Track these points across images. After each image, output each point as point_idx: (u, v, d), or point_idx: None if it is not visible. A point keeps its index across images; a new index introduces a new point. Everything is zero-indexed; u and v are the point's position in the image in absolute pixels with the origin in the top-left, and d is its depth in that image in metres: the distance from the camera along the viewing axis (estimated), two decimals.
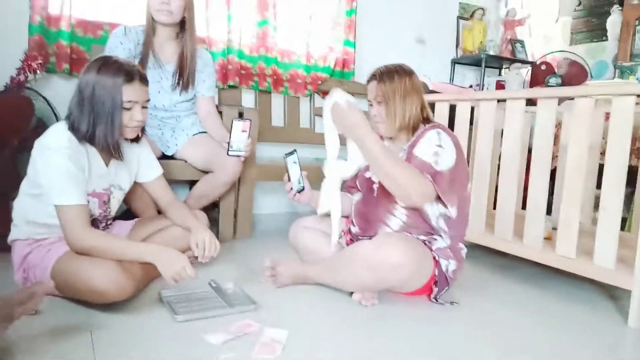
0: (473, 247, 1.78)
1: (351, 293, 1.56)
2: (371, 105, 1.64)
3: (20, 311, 1.09)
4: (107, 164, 1.51)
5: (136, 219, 1.76)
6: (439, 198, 1.49)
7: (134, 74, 1.43)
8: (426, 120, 1.62)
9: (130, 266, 1.41)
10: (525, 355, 1.29)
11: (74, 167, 1.36)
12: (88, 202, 1.44)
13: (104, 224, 1.58)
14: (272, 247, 2.14)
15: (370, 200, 1.65)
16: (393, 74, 1.58)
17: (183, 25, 2.01)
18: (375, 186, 1.63)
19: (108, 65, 1.41)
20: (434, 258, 1.54)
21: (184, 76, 2.03)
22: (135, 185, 1.68)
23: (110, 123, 1.40)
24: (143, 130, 1.58)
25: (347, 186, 1.80)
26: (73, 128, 1.40)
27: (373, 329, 1.39)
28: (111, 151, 1.45)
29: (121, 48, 1.92)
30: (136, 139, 1.57)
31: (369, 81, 1.64)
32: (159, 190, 1.70)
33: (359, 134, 1.41)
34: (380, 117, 1.60)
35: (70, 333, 1.23)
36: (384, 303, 1.56)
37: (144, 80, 1.46)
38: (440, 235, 1.57)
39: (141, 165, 1.66)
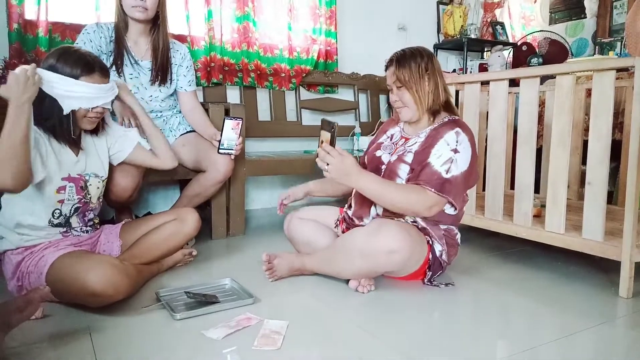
0: (466, 230, 1.81)
1: (347, 280, 1.58)
2: (390, 90, 1.62)
3: (18, 318, 1.09)
4: (76, 154, 1.50)
5: (122, 222, 1.74)
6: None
7: (94, 65, 1.42)
8: (446, 104, 1.62)
9: (125, 265, 1.41)
10: (524, 332, 1.32)
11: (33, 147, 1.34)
12: (65, 187, 1.44)
13: (88, 218, 1.56)
14: (267, 242, 2.15)
15: None
16: (411, 58, 1.56)
17: (155, 21, 1.99)
18: (383, 167, 1.63)
19: (67, 55, 1.40)
20: (428, 242, 1.56)
21: (162, 70, 2.02)
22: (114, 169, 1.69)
23: (65, 116, 1.40)
24: (103, 120, 1.58)
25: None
26: (36, 121, 1.38)
27: (371, 315, 1.41)
28: (69, 143, 1.45)
29: (89, 45, 1.89)
30: (95, 131, 1.55)
31: (387, 67, 1.62)
32: (141, 156, 1.72)
33: (352, 180, 1.44)
34: (401, 102, 1.59)
35: (70, 337, 1.23)
36: (381, 289, 1.58)
37: (104, 72, 1.46)
38: (436, 223, 1.59)
39: (112, 148, 1.65)
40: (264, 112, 2.80)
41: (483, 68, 3.37)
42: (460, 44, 3.37)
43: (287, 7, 2.82)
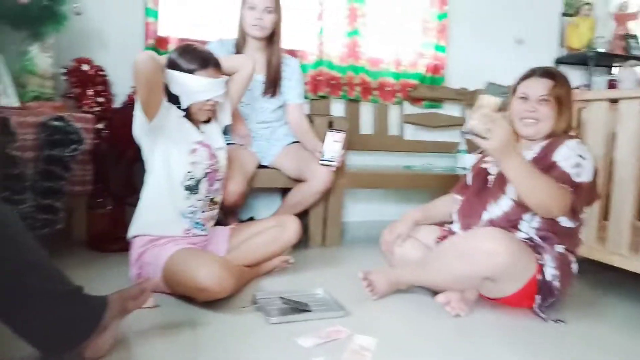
0: (582, 262, 1.63)
1: (435, 295, 1.50)
2: (524, 98, 1.54)
3: (132, 305, 1.20)
4: (198, 127, 1.66)
5: (232, 226, 1.85)
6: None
7: (209, 61, 1.58)
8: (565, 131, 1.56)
9: (231, 266, 1.51)
10: None
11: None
12: (197, 150, 1.60)
13: (214, 188, 1.68)
14: (362, 255, 2.14)
15: (481, 192, 1.59)
16: (566, 79, 1.56)
17: (271, 38, 2.11)
18: (491, 177, 1.57)
19: (187, 51, 1.59)
20: (538, 262, 1.43)
21: (273, 83, 2.13)
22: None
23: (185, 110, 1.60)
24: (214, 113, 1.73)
25: (458, 187, 1.77)
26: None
27: (463, 344, 1.32)
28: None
29: None
30: (208, 121, 1.71)
31: (540, 76, 1.55)
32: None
33: (510, 154, 1.32)
34: (539, 115, 1.51)
35: (176, 327, 1.33)
36: (479, 315, 1.48)
37: (218, 67, 1.61)
38: (552, 243, 1.46)
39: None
40: (366, 126, 2.81)
41: (612, 85, 3.05)
42: (585, 59, 3.08)
43: (396, 20, 2.81)
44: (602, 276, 1.95)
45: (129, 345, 1.21)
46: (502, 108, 1.31)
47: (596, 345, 1.36)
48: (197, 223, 1.65)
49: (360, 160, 2.80)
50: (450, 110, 3.01)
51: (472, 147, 2.85)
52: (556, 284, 1.44)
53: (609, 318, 1.55)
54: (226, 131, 2.13)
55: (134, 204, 1.68)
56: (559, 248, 1.47)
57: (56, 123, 1.78)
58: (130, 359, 1.15)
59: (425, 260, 1.55)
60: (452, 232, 1.63)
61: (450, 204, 1.76)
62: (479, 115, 1.28)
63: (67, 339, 1.08)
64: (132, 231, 1.62)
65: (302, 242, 2.21)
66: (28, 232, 1.03)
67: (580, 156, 1.44)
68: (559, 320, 1.47)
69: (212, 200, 1.70)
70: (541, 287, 1.44)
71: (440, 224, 1.75)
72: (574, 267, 1.51)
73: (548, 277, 1.43)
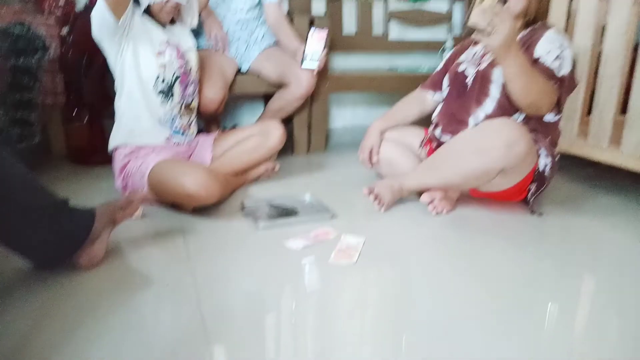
0: (562, 157, 1.66)
1: (420, 195, 1.53)
2: None
3: (121, 216, 1.21)
4: (163, 27, 1.60)
5: (216, 133, 1.83)
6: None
7: None
8: (535, 19, 1.50)
9: (215, 173, 1.51)
10: (613, 270, 1.23)
11: None
12: (164, 52, 1.55)
13: (188, 93, 1.64)
14: (347, 160, 2.15)
15: (461, 96, 1.57)
16: None
17: None
18: (468, 80, 1.55)
19: None
20: (537, 152, 1.45)
21: None
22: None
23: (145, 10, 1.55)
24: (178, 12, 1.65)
25: (429, 83, 1.74)
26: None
27: (449, 239, 1.38)
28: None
29: None
30: (173, 22, 1.65)
31: None
32: None
33: (512, 52, 1.26)
34: None
35: (165, 236, 1.35)
36: (464, 211, 1.54)
37: None
38: (534, 133, 1.48)
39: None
40: (349, 25, 2.67)
41: None
42: None
43: None
44: (582, 171, 2.01)
45: (122, 254, 1.24)
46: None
47: (575, 235, 1.43)
48: (176, 131, 1.63)
49: (343, 63, 2.71)
50: (438, 4, 2.86)
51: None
52: (547, 173, 1.47)
53: (588, 211, 1.62)
54: (201, 35, 2.01)
55: (110, 115, 1.63)
56: (545, 139, 1.49)
57: (17, 30, 1.66)
58: (124, 267, 1.18)
59: (432, 162, 1.51)
60: (433, 139, 1.63)
61: (416, 103, 1.75)
62: (480, 10, 1.21)
63: (59, 251, 1.10)
64: (112, 143, 1.59)
65: (288, 149, 2.21)
66: (4, 146, 1.00)
67: (561, 47, 1.41)
68: (540, 213, 1.53)
69: (187, 106, 1.66)
70: (536, 177, 1.47)
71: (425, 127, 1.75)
72: (557, 157, 1.54)
73: (541, 166, 1.46)
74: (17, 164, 1.00)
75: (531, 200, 1.52)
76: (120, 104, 1.57)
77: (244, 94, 2.35)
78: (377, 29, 2.72)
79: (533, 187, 1.49)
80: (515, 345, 0.90)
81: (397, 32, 2.79)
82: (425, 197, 1.51)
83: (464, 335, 0.93)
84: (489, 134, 1.36)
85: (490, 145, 1.35)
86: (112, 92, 1.59)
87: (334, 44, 2.49)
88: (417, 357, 0.87)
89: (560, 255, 1.29)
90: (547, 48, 1.41)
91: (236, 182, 1.73)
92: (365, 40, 2.68)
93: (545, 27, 1.47)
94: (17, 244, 1.06)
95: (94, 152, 2.00)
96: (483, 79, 1.49)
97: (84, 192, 1.66)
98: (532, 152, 1.41)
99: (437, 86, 1.71)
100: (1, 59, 1.67)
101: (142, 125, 1.57)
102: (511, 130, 1.34)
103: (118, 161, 1.58)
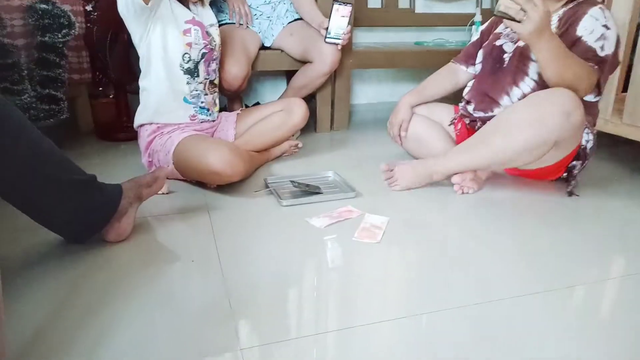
0: (597, 136, 1.61)
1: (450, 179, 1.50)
2: None
3: (147, 192, 1.23)
4: (188, 8, 1.58)
5: (239, 110, 1.82)
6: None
7: None
8: None
9: (240, 150, 1.51)
10: None
11: None
12: (190, 30, 1.53)
13: (212, 69, 1.64)
14: (371, 138, 2.13)
15: (496, 72, 1.50)
16: None
17: None
18: (506, 56, 1.48)
19: None
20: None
21: None
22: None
23: None
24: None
25: (462, 56, 1.68)
26: None
27: (477, 219, 1.36)
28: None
29: None
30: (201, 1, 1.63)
31: None
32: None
33: (546, 36, 1.21)
34: None
35: (191, 212, 1.37)
36: (489, 189, 1.50)
37: None
38: None
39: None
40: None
41: None
42: None
43: None
44: (617, 149, 1.94)
45: (148, 229, 1.26)
46: None
47: (608, 217, 1.39)
48: (202, 108, 1.62)
49: (367, 38, 2.65)
50: None
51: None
52: (589, 150, 1.44)
53: (622, 192, 1.57)
54: (223, 10, 1.99)
55: (135, 92, 1.63)
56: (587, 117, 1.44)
57: (43, 6, 1.68)
58: (150, 241, 1.20)
59: (478, 137, 1.42)
60: (468, 112, 1.58)
61: (448, 77, 1.69)
62: None
63: (87, 225, 1.12)
64: (138, 120, 1.60)
65: (310, 126, 2.19)
66: (31, 124, 1.01)
67: (605, 26, 1.34)
68: (574, 194, 1.49)
69: (211, 82, 1.65)
70: (580, 153, 1.43)
71: (455, 104, 1.70)
72: (595, 138, 1.49)
73: (583, 142, 1.42)
74: (46, 140, 1.02)
75: (572, 179, 1.47)
76: (146, 84, 1.57)
77: (267, 71, 2.33)
78: (403, 2, 2.64)
79: (577, 164, 1.45)
80: (552, 327, 0.89)
81: (424, 5, 2.71)
82: (456, 178, 1.47)
83: (490, 313, 0.92)
84: (544, 102, 1.29)
85: (549, 113, 1.28)
86: (137, 68, 1.59)
87: (358, 18, 2.44)
88: (440, 334, 0.87)
89: (593, 237, 1.26)
90: (591, 27, 1.34)
91: (259, 159, 1.73)
92: (391, 14, 2.61)
93: (591, 4, 1.39)
94: (47, 218, 1.08)
95: (120, 128, 2.03)
96: (522, 56, 1.43)
97: (111, 168, 1.69)
98: (583, 126, 1.37)
99: (471, 60, 1.65)
100: (28, 36, 1.69)
101: (167, 104, 1.57)
102: (568, 99, 1.27)
103: (143, 138, 1.59)
